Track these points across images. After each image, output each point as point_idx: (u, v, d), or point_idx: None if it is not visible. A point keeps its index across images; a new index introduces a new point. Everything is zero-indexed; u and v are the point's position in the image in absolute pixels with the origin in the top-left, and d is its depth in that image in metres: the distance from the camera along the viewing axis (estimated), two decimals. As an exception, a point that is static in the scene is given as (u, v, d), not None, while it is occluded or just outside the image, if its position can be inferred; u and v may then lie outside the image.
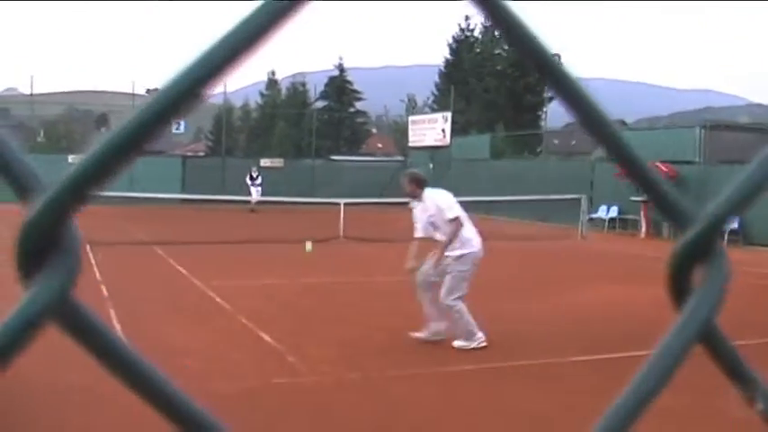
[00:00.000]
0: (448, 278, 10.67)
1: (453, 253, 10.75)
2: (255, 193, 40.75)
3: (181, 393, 0.68)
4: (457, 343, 10.42)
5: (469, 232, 11.05)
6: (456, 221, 10.69)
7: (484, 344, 10.34)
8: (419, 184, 11.29)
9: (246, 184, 42.64)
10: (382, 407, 7.89)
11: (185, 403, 0.68)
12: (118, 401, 7.76)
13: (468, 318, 10.52)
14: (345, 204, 26.74)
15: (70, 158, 46.84)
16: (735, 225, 27.47)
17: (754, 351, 8.80)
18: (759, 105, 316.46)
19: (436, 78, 70.97)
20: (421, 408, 7.87)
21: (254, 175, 43.41)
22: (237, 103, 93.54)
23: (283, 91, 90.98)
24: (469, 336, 10.42)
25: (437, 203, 10.92)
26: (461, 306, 10.57)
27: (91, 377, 8.51)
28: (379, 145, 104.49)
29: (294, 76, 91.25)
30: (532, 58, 0.70)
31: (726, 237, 26.88)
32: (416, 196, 11.03)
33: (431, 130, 51.01)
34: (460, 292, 10.66)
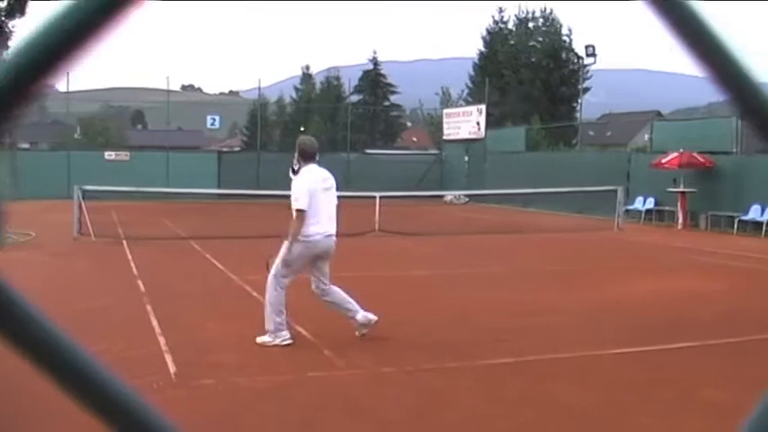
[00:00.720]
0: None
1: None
2: None
3: (127, 392, 0.66)
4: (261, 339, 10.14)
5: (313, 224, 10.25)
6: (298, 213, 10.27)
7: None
8: (302, 155, 10.83)
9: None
10: (420, 401, 7.87)
11: (130, 403, 0.66)
12: (161, 394, 7.83)
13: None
14: (381, 198, 26.72)
15: (107, 155, 47.16)
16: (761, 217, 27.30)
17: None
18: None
19: (470, 71, 70.80)
20: (459, 402, 7.85)
21: (296, 168, 43.05)
22: (272, 97, 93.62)
23: (318, 85, 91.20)
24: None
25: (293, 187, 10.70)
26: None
27: (133, 371, 8.58)
28: (414, 138, 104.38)
29: (328, 70, 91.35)
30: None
31: (764, 227, 26.69)
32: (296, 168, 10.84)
33: (465, 122, 50.90)
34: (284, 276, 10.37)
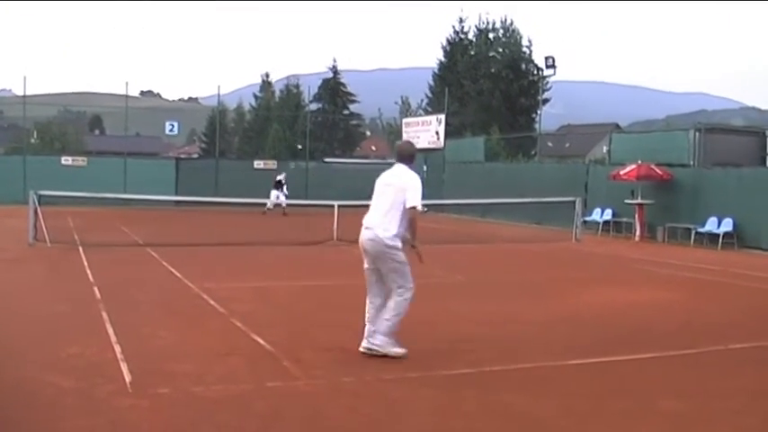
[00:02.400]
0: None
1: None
2: (275, 197, 40.27)
3: None
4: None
5: None
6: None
7: None
8: (396, 157, 10.80)
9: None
10: (378, 411, 7.83)
11: None
12: (115, 403, 7.74)
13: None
14: (339, 206, 26.65)
15: (63, 160, 46.80)
16: (729, 228, 27.49)
17: (745, 354, 8.75)
18: (753, 108, 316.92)
19: (430, 80, 70.94)
20: (418, 412, 7.80)
21: (283, 180, 42.55)
22: (231, 104, 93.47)
23: (277, 93, 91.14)
24: None
25: None
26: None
27: (87, 380, 8.48)
28: (373, 147, 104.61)
29: (288, 78, 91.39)
30: None
31: (720, 240, 26.93)
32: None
33: (425, 132, 50.96)
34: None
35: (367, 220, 10.16)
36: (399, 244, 9.94)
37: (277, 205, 39.44)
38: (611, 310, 14.19)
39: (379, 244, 9.95)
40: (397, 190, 9.95)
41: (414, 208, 9.85)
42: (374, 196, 10.24)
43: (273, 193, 40.94)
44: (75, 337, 10.78)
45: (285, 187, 42.24)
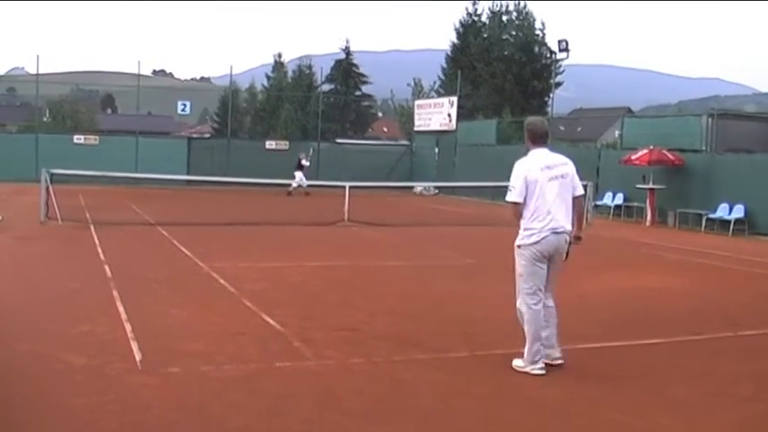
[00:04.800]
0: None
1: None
2: (299, 179, 40.22)
3: None
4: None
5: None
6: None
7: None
8: (529, 137, 9.34)
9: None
10: (388, 392, 7.84)
11: None
12: (126, 381, 7.77)
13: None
14: (350, 188, 26.65)
15: (75, 138, 46.83)
16: (741, 215, 27.42)
17: (755, 341, 8.74)
18: (766, 95, 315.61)
19: (443, 63, 70.70)
20: (427, 394, 7.81)
21: (302, 162, 42.47)
22: (244, 85, 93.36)
23: (289, 73, 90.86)
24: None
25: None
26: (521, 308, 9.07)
27: (97, 357, 8.52)
28: (385, 129, 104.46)
29: (301, 58, 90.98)
30: None
31: (731, 226, 26.86)
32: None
33: (437, 114, 50.85)
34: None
35: (556, 222, 8.78)
36: None
37: (299, 186, 39.35)
38: (621, 294, 14.17)
39: (566, 242, 8.94)
40: (572, 179, 9.00)
41: (582, 195, 9.16)
42: (542, 193, 8.77)
43: (298, 174, 40.85)
44: (87, 314, 10.81)
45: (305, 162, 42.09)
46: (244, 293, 12.76)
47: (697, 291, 15.27)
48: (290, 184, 38.98)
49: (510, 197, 8.99)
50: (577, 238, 9.18)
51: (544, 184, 8.78)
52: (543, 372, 8.61)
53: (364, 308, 12.02)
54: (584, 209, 9.28)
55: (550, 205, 8.76)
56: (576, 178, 9.05)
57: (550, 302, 9.05)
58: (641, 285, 15.37)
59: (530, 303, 8.88)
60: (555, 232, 8.76)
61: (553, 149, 9.18)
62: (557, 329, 8.96)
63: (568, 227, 8.86)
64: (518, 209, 8.93)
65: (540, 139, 9.16)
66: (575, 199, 9.03)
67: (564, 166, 9.04)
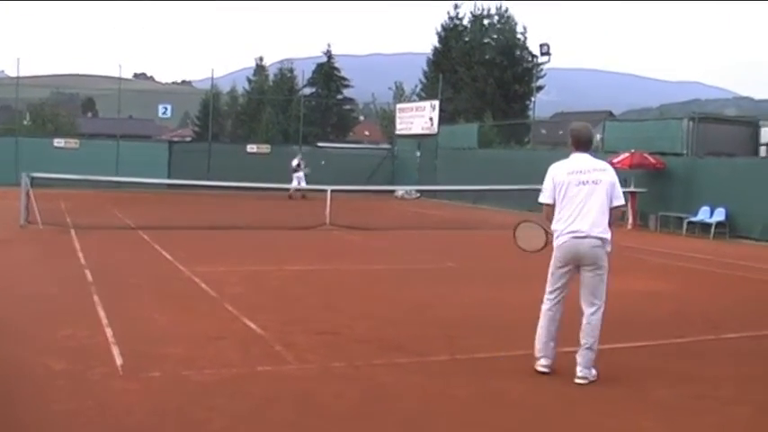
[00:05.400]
0: None
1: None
2: (296, 181, 40.58)
3: None
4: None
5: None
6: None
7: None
8: (572, 142, 9.30)
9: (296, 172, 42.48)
10: (369, 396, 7.83)
11: None
12: (107, 386, 7.74)
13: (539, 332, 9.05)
14: (332, 191, 26.65)
15: (56, 142, 46.68)
16: (722, 218, 27.53)
17: (737, 344, 8.76)
18: (747, 98, 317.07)
19: (424, 66, 70.74)
20: (408, 397, 7.81)
21: (302, 164, 42.91)
22: (225, 88, 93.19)
23: (271, 77, 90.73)
24: None
25: None
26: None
27: (78, 362, 8.48)
28: (367, 132, 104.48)
29: (282, 62, 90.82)
30: None
31: (713, 229, 26.96)
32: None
33: (418, 118, 50.90)
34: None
35: (577, 226, 8.70)
36: None
37: (297, 190, 39.49)
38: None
39: (602, 249, 8.79)
40: (608, 186, 8.78)
41: (621, 206, 8.99)
42: (567, 196, 8.78)
43: (296, 175, 41.16)
44: (67, 319, 10.77)
45: (303, 168, 42.40)
46: (225, 297, 12.75)
47: (679, 294, 15.32)
48: (288, 189, 39.25)
49: (541, 198, 9.11)
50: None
51: (571, 187, 8.77)
52: (544, 370, 8.73)
53: (345, 312, 12.02)
54: (615, 220, 8.92)
55: (574, 209, 8.73)
56: (617, 188, 8.84)
57: (590, 315, 8.78)
58: (623, 289, 15.37)
59: (543, 303, 9.09)
60: (575, 237, 8.70)
61: (595, 156, 9.06)
62: (591, 348, 8.63)
63: (595, 232, 8.68)
64: (548, 210, 8.99)
65: (581, 145, 9.14)
66: (615, 209, 8.87)
67: (599, 172, 8.87)
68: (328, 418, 7.16)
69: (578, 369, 8.53)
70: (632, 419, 7.37)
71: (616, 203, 8.80)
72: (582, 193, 8.70)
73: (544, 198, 9.00)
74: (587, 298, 8.81)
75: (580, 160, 8.98)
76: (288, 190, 39.49)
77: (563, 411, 7.56)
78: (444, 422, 7.21)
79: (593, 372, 8.53)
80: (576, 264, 8.79)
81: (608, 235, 8.74)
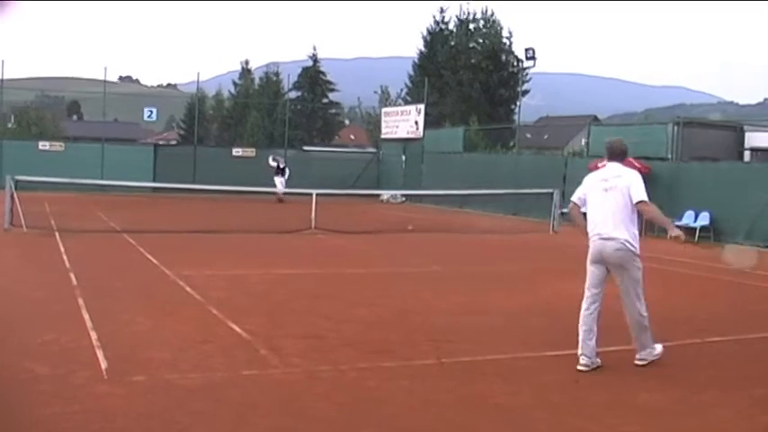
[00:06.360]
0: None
1: None
2: (280, 185, 40.89)
3: None
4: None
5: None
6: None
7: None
8: (606, 154, 10.21)
9: (273, 171, 42.69)
10: (354, 400, 7.84)
11: None
12: (91, 390, 7.72)
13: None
14: (317, 195, 26.64)
15: (41, 145, 46.58)
16: (706, 222, 27.63)
17: (721, 348, 8.77)
18: (731, 103, 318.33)
19: (410, 70, 70.77)
20: (393, 401, 7.82)
21: (282, 166, 43.34)
22: (210, 91, 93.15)
23: (256, 80, 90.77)
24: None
25: None
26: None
27: (63, 367, 8.46)
28: (352, 136, 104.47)
29: (268, 65, 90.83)
30: None
31: (697, 233, 27.06)
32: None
33: (404, 122, 50.97)
34: None
35: (601, 228, 9.59)
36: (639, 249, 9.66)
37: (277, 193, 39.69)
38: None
39: (627, 252, 9.51)
40: (623, 191, 9.50)
41: (642, 201, 9.44)
42: (593, 201, 9.75)
43: (277, 180, 41.41)
44: (51, 323, 10.74)
45: (287, 173, 42.75)
46: (210, 301, 12.73)
47: (663, 298, 15.32)
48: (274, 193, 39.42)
49: (572, 197, 10.16)
50: (675, 238, 9.91)
51: (597, 194, 9.69)
52: (581, 368, 9.29)
53: (331, 315, 12.02)
54: (655, 213, 9.82)
55: (598, 213, 9.65)
56: (633, 187, 9.49)
57: (629, 313, 9.88)
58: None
59: (582, 303, 9.97)
60: (600, 238, 9.57)
61: (626, 165, 9.92)
62: (638, 340, 9.83)
63: (618, 235, 9.45)
64: (573, 208, 10.15)
65: (613, 156, 9.99)
66: (637, 205, 9.47)
67: (616, 178, 9.64)
68: (313, 422, 7.16)
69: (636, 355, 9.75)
70: (615, 423, 7.39)
71: (636, 199, 9.43)
72: (603, 199, 9.60)
73: (573, 197, 10.12)
74: (623, 298, 9.85)
75: (608, 169, 9.87)
76: (275, 194, 39.62)
77: (545, 415, 7.58)
78: (430, 426, 7.22)
79: (650, 351, 9.81)
80: (604, 264, 9.67)
81: (629, 236, 9.47)
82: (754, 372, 9.73)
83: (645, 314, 9.76)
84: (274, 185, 40.85)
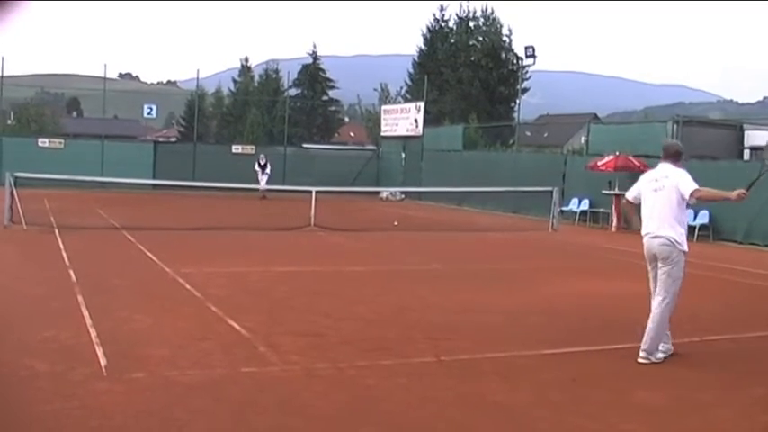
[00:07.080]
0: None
1: None
2: (263, 181, 40.96)
3: None
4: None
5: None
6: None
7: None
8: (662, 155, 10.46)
9: (255, 171, 42.64)
10: (352, 397, 7.84)
11: None
12: (90, 387, 7.72)
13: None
14: (317, 192, 26.63)
15: (40, 142, 46.55)
16: (705, 221, 27.62)
17: (720, 346, 8.79)
18: (731, 102, 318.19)
19: (410, 68, 70.69)
20: (391, 399, 7.82)
21: (263, 162, 43.36)
22: (210, 89, 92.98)
23: (256, 78, 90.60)
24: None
25: None
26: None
27: (62, 363, 8.46)
28: (352, 134, 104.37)
29: (267, 62, 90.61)
30: None
31: (696, 232, 27.05)
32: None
33: (404, 119, 50.91)
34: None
35: (650, 228, 10.05)
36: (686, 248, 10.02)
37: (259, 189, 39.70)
38: (587, 300, 14.23)
39: (673, 248, 9.89)
40: (671, 190, 9.83)
41: (695, 190, 9.74)
42: (645, 201, 10.16)
43: (260, 176, 41.50)
44: (51, 320, 10.75)
45: (269, 168, 42.72)
46: (209, 299, 12.73)
47: (661, 296, 15.34)
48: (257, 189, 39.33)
49: (627, 194, 10.65)
50: (746, 191, 9.93)
51: (648, 194, 10.08)
52: (641, 360, 9.70)
53: (330, 313, 12.02)
54: (711, 193, 10.39)
55: (648, 212, 10.09)
56: (681, 183, 9.79)
57: (655, 307, 10.11)
58: (607, 291, 15.45)
59: (652, 303, 10.22)
60: (649, 236, 10.00)
61: (680, 167, 10.08)
62: (653, 335, 9.89)
63: (665, 233, 9.85)
64: (626, 205, 10.76)
65: (667, 157, 10.22)
66: (693, 196, 9.79)
67: (665, 179, 9.96)
68: (312, 419, 7.16)
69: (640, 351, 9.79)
70: (614, 422, 7.39)
71: (688, 192, 9.76)
72: (653, 199, 10.00)
73: (627, 194, 10.63)
74: (656, 290, 10.13)
75: (659, 170, 10.16)
76: (257, 191, 39.70)
77: (547, 414, 7.58)
78: (428, 424, 7.22)
79: (659, 355, 9.84)
80: (655, 260, 10.05)
81: (675, 234, 9.87)
82: (754, 371, 9.73)
83: (669, 314, 10.05)
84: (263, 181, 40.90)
